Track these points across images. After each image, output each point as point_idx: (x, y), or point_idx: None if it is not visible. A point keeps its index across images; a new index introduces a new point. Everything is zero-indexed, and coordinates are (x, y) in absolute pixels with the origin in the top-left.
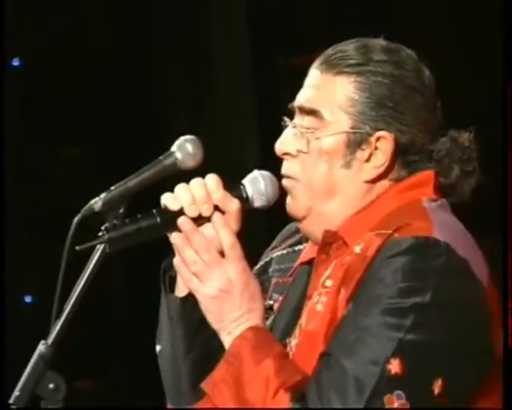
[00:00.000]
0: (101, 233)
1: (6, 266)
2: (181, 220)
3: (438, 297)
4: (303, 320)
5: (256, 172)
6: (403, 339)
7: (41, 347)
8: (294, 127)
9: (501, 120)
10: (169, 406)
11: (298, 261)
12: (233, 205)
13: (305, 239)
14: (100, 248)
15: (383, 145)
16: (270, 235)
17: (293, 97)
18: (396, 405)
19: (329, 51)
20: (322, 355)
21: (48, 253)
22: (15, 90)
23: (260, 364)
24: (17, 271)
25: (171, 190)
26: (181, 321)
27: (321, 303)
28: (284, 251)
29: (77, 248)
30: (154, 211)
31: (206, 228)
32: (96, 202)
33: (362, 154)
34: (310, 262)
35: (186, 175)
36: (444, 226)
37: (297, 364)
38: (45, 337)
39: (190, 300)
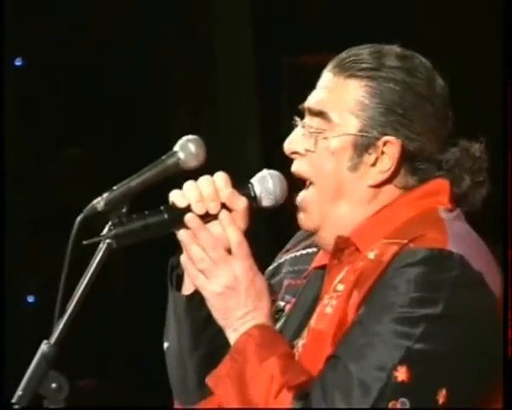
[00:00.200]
0: (108, 229)
1: (8, 266)
2: (188, 217)
3: (449, 309)
4: (312, 322)
5: (265, 172)
6: (411, 348)
7: (43, 346)
8: (303, 127)
9: (501, 120)
10: (175, 402)
11: (312, 265)
12: (240, 203)
13: None
14: (103, 247)
15: (390, 150)
16: (269, 235)
17: (293, 97)
18: None
19: (343, 55)
20: (330, 358)
21: (48, 253)
22: (15, 90)
23: (264, 362)
24: (19, 271)
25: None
26: (187, 319)
27: (330, 306)
28: (298, 253)
29: (84, 242)
30: (162, 208)
31: (214, 226)
32: (99, 202)
33: (368, 158)
34: (324, 267)
35: (187, 175)
36: (458, 238)
37: (303, 364)
38: (48, 337)
39: (197, 297)
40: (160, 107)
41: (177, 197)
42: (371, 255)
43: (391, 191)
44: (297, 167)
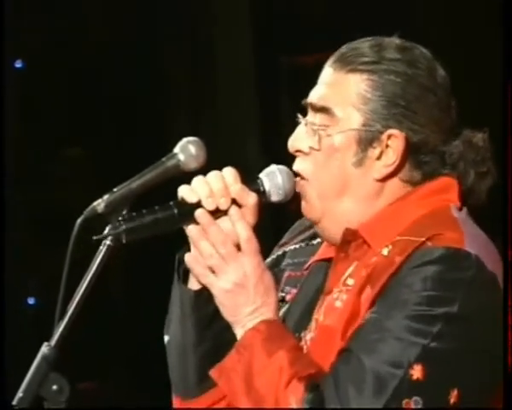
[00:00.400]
0: (117, 223)
1: (8, 267)
2: (198, 213)
3: (465, 309)
4: (320, 315)
5: (273, 167)
6: (427, 346)
7: (44, 348)
8: (306, 124)
9: (501, 120)
10: (174, 398)
11: (314, 258)
12: (250, 199)
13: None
14: (103, 249)
15: (394, 143)
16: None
17: (293, 97)
18: None
19: (343, 49)
20: (342, 351)
21: (48, 253)
22: (15, 90)
23: (273, 355)
24: (19, 272)
25: (173, 192)
26: (193, 314)
27: (340, 300)
28: (297, 245)
29: (94, 237)
30: (172, 203)
31: (223, 221)
32: (99, 204)
33: (373, 152)
34: (327, 260)
35: (190, 177)
36: (473, 238)
37: (312, 358)
38: (48, 339)
39: (204, 293)
40: (160, 107)
41: (186, 193)
42: (385, 252)
43: (396, 186)
44: (301, 166)
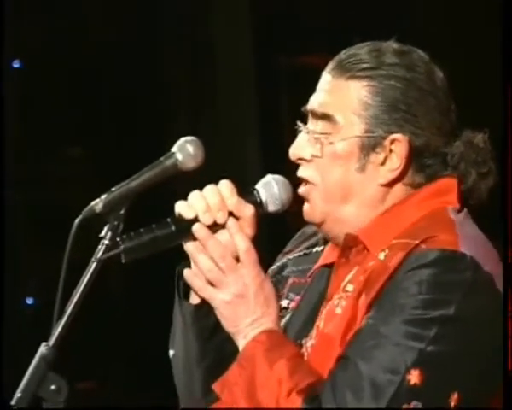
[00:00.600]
0: (116, 243)
1: (7, 267)
2: (196, 228)
3: (462, 311)
4: (320, 322)
5: (269, 177)
6: (424, 350)
7: (42, 348)
8: (308, 132)
9: (501, 120)
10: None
11: (317, 263)
12: (247, 211)
13: (321, 242)
14: (101, 249)
15: (398, 148)
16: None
17: (293, 97)
18: None
19: (342, 55)
20: (339, 358)
21: (48, 253)
22: (15, 90)
23: (274, 365)
24: (18, 272)
25: (173, 192)
26: (195, 327)
27: (340, 307)
28: (301, 253)
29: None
30: (169, 220)
31: (221, 234)
32: (97, 204)
33: (376, 157)
34: (329, 265)
35: (188, 176)
36: (469, 240)
37: (312, 365)
38: (47, 339)
39: (204, 306)
40: (159, 107)
41: (183, 209)
42: (381, 256)
43: (399, 190)
44: (304, 173)
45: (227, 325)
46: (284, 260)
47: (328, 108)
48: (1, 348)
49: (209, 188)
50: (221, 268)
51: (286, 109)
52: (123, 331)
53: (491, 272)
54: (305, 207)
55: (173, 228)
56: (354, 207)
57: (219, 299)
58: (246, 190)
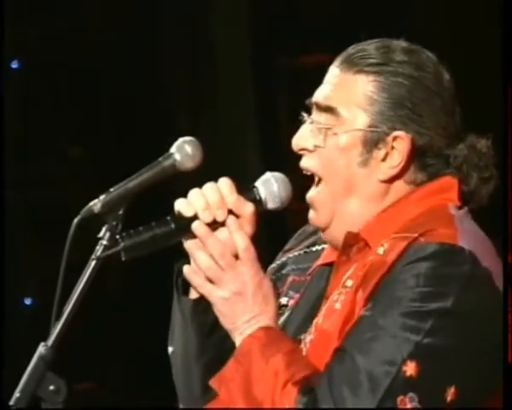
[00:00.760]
0: (116, 241)
1: (6, 267)
2: (195, 225)
3: (459, 305)
4: (319, 318)
5: (268, 174)
6: (420, 342)
7: (41, 349)
8: (312, 123)
9: (501, 120)
10: (181, 407)
11: (318, 262)
12: (247, 208)
13: (321, 241)
14: (99, 249)
15: (400, 145)
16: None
17: (293, 97)
18: (409, 406)
19: (350, 50)
20: (336, 351)
21: (47, 253)
22: (15, 90)
23: (270, 360)
24: (17, 272)
25: (172, 191)
26: (193, 323)
27: (339, 302)
28: (301, 251)
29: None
30: (168, 217)
31: (220, 232)
32: (96, 204)
33: (378, 153)
34: (330, 264)
35: (188, 176)
36: (468, 234)
37: (310, 360)
38: (45, 339)
39: (203, 302)
40: (160, 107)
41: (183, 206)
42: (380, 251)
43: (400, 187)
44: (306, 163)
45: (225, 322)
46: (284, 259)
47: (333, 101)
48: (0, 348)
49: (209, 186)
50: (220, 266)
51: (286, 109)
52: (122, 332)
53: (490, 269)
54: (311, 214)
55: (173, 226)
56: (357, 202)
57: (218, 296)
58: (245, 188)
